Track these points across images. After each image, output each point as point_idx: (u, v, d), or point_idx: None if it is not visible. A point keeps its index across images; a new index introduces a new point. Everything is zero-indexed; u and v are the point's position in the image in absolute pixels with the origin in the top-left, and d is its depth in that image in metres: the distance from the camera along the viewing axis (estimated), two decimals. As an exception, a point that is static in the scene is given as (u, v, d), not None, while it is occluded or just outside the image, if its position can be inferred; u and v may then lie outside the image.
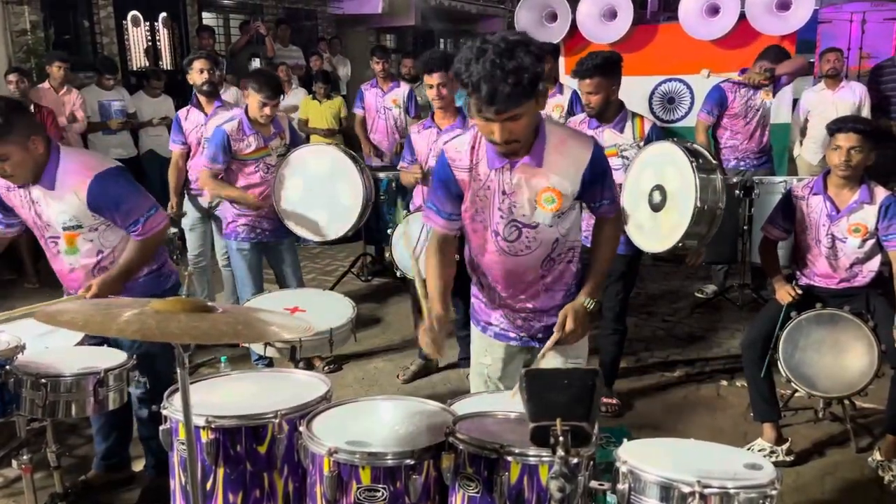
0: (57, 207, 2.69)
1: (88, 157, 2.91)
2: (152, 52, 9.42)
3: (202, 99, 4.62)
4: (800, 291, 3.32)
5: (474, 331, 2.48)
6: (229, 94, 6.69)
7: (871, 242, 3.24)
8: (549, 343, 2.25)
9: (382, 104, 6.36)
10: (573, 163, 2.11)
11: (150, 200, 2.79)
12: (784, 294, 3.33)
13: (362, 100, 6.49)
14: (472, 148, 2.14)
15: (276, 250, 4.24)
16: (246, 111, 4.02)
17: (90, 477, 3.14)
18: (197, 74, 4.60)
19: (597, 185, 2.18)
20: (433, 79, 3.77)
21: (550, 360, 2.35)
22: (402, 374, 4.24)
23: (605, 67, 3.42)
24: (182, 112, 4.70)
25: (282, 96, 4.10)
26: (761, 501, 1.62)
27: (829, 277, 3.34)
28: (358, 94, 6.57)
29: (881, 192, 3.24)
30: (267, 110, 3.94)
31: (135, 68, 9.01)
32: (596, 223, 2.33)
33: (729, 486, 1.61)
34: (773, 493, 1.63)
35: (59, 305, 2.08)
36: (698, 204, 3.13)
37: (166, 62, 9.47)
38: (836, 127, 3.24)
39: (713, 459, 1.81)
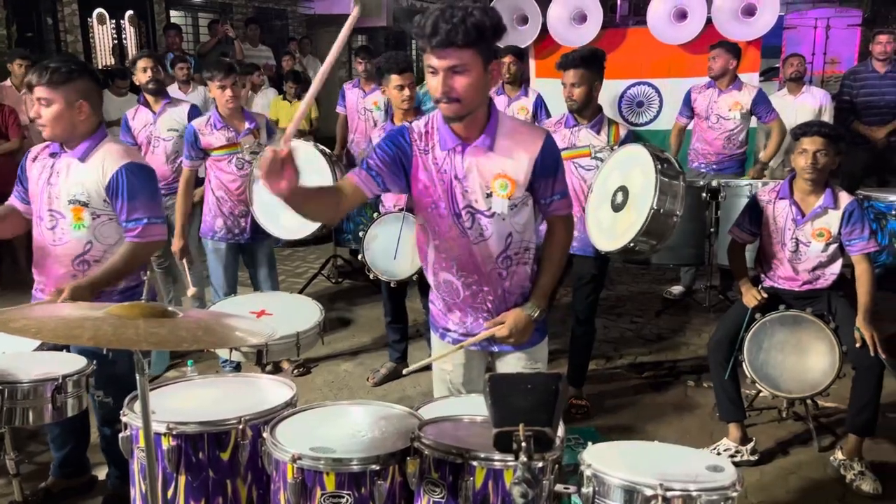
0: (76, 177, 2.68)
1: (133, 150, 3.01)
2: (118, 50, 9.27)
3: (149, 98, 4.58)
4: (765, 295, 3.36)
5: (433, 338, 2.46)
6: (198, 93, 6.61)
7: (833, 247, 3.30)
8: (476, 337, 2.27)
9: (363, 105, 6.31)
10: (525, 149, 2.11)
11: (161, 211, 2.80)
12: (750, 298, 3.38)
13: (344, 98, 6.44)
14: (427, 132, 2.15)
15: (253, 252, 4.21)
16: (216, 107, 4.02)
17: (49, 484, 3.07)
18: (141, 74, 4.54)
19: (549, 176, 2.16)
20: (404, 78, 3.77)
21: (509, 364, 2.35)
22: (373, 376, 4.22)
23: (589, 60, 3.48)
24: (130, 112, 4.66)
25: (235, 75, 4.04)
26: (722, 503, 1.63)
27: (792, 280, 3.39)
28: (340, 93, 6.52)
29: (845, 198, 3.30)
30: (229, 92, 3.94)
31: (100, 67, 8.86)
32: (548, 227, 2.30)
33: (691, 489, 1.63)
34: (734, 494, 1.65)
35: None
36: (654, 206, 3.14)
37: (133, 61, 9.34)
38: (801, 131, 3.29)
39: (676, 462, 1.82)
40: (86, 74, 2.69)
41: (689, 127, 5.34)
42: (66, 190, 2.70)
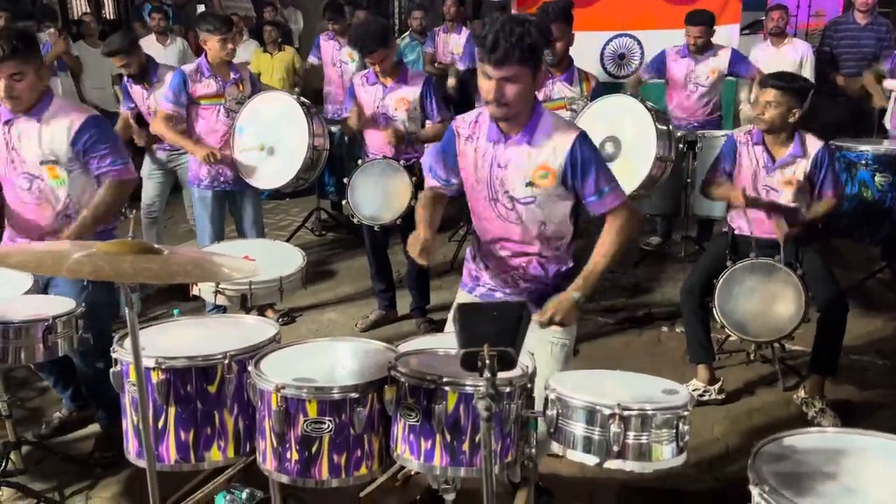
0: (39, 139, 2.78)
1: (78, 102, 3.12)
2: (94, 1, 9.12)
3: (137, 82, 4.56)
4: (752, 194, 3.37)
5: (461, 293, 2.57)
6: (175, 45, 6.55)
7: (804, 192, 3.34)
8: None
9: (339, 57, 6.29)
10: (559, 143, 2.25)
11: (127, 153, 2.96)
12: (737, 195, 3.35)
13: (319, 49, 6.41)
14: (475, 122, 2.36)
15: (239, 199, 4.27)
16: (206, 56, 4.04)
17: (64, 416, 3.23)
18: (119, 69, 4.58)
19: (587, 171, 2.22)
20: (373, 58, 3.84)
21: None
22: (362, 322, 4.32)
23: (566, 11, 3.52)
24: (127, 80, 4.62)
25: (234, 31, 4.14)
26: (675, 421, 1.76)
27: (763, 223, 3.42)
28: (315, 42, 6.48)
29: (814, 145, 3.33)
30: (230, 46, 4.01)
31: (75, 17, 8.72)
32: (607, 222, 2.35)
33: (647, 408, 1.75)
34: (686, 413, 1.77)
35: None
36: (659, 153, 3.28)
37: (109, 11, 9.19)
38: (763, 82, 3.35)
39: (635, 386, 1.94)
40: (34, 38, 2.86)
41: (651, 82, 5.38)
42: (34, 152, 2.79)
